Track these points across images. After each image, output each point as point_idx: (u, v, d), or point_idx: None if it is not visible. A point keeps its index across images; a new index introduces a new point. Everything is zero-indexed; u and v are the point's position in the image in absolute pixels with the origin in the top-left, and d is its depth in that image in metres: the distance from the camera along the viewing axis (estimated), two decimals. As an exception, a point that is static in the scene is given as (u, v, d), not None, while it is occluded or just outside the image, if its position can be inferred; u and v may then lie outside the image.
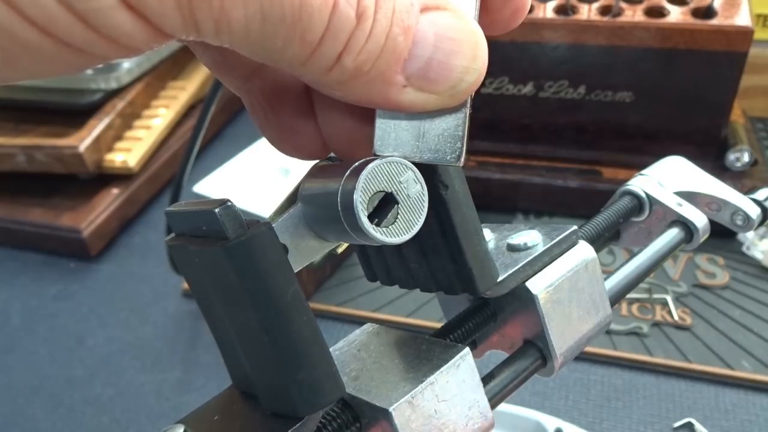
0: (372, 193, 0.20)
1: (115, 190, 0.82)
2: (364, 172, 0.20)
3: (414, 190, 0.21)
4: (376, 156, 0.21)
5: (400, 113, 0.20)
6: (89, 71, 0.83)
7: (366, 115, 0.22)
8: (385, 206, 0.20)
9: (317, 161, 0.25)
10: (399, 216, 0.20)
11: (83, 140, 0.78)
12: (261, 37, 0.17)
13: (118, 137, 0.84)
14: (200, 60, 0.25)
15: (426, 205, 0.21)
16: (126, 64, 0.85)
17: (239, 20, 0.16)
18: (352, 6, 0.17)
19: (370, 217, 0.20)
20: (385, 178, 0.20)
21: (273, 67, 0.23)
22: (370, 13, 0.18)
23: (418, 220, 0.21)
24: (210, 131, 0.93)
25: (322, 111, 0.24)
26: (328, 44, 0.18)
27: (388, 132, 0.21)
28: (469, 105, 0.21)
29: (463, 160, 0.21)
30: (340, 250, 0.26)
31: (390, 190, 0.20)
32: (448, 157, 0.21)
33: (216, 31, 0.17)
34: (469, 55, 0.20)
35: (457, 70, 0.19)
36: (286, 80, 0.24)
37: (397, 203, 0.20)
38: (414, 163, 0.21)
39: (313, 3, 0.17)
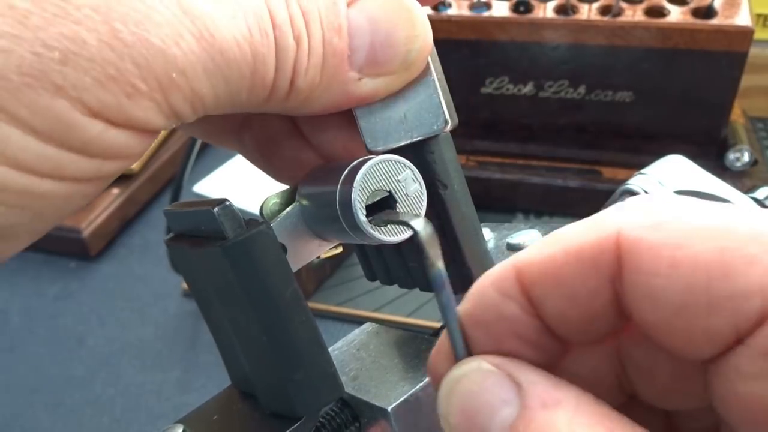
0: (370, 192, 0.20)
1: (115, 190, 0.82)
2: (362, 171, 0.20)
3: (412, 188, 0.21)
4: (372, 154, 0.21)
5: (372, 106, 0.21)
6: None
7: (352, 123, 0.23)
8: (383, 205, 0.20)
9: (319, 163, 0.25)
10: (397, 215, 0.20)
11: (83, 140, 0.78)
12: (228, 98, 0.19)
13: (118, 137, 0.84)
14: (190, 134, 0.27)
15: (424, 203, 0.21)
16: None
17: (208, 94, 0.18)
18: (289, 35, 0.19)
19: (369, 216, 0.20)
20: (383, 176, 0.20)
21: (257, 119, 0.25)
22: (304, 32, 0.19)
23: (418, 219, 0.21)
24: (210, 131, 0.93)
25: (313, 136, 0.25)
26: (281, 78, 0.19)
27: (373, 127, 0.21)
28: (434, 71, 0.21)
29: (450, 124, 0.22)
30: (338, 250, 0.26)
31: (388, 189, 0.20)
32: (435, 127, 0.21)
33: (193, 111, 0.18)
34: (406, 25, 0.20)
35: (400, 43, 0.20)
36: (272, 124, 0.25)
37: (396, 202, 0.20)
38: (409, 155, 0.21)
39: (260, 50, 0.18)
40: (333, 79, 0.20)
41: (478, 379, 0.16)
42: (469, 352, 0.16)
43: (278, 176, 0.26)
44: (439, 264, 0.17)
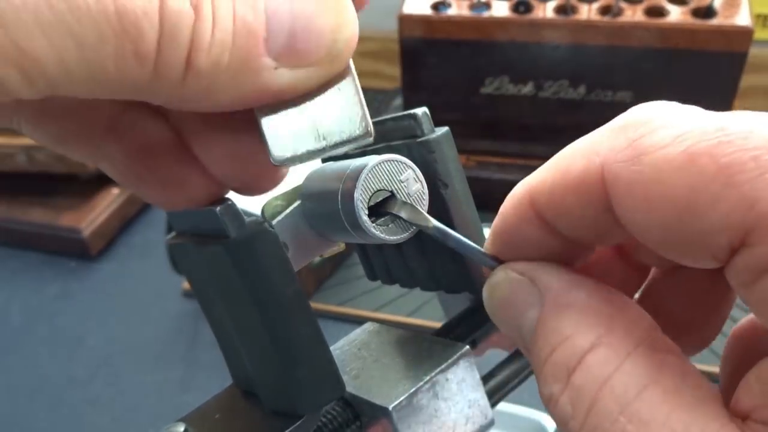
0: (372, 192, 0.20)
1: (115, 190, 0.82)
2: (365, 171, 0.20)
3: (414, 188, 0.21)
4: (274, 164, 0.18)
5: (279, 107, 0.18)
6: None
7: (250, 134, 0.19)
8: (385, 205, 0.20)
9: (321, 164, 0.25)
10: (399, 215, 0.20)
11: (83, 140, 0.78)
12: (86, 67, 0.14)
13: (119, 137, 0.84)
14: (38, 141, 0.21)
15: (426, 203, 0.21)
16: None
17: (49, 59, 0.14)
18: (183, 1, 0.15)
19: (371, 216, 0.20)
20: (386, 176, 0.20)
21: (129, 121, 0.21)
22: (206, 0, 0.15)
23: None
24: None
25: (202, 149, 0.21)
26: (170, 49, 0.15)
27: (279, 133, 0.18)
28: (353, 69, 0.18)
29: (372, 131, 0.18)
30: (339, 249, 0.26)
31: (390, 189, 0.20)
32: (356, 134, 0.18)
33: (28, 82, 0.14)
34: (333, 11, 0.17)
35: (326, 31, 0.16)
36: (147, 131, 0.21)
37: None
38: (410, 155, 0.21)
39: (130, 7, 0.14)
40: (244, 64, 0.16)
41: (507, 287, 0.18)
42: (500, 261, 0.19)
43: (153, 198, 0.21)
44: (433, 222, 0.20)
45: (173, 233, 0.23)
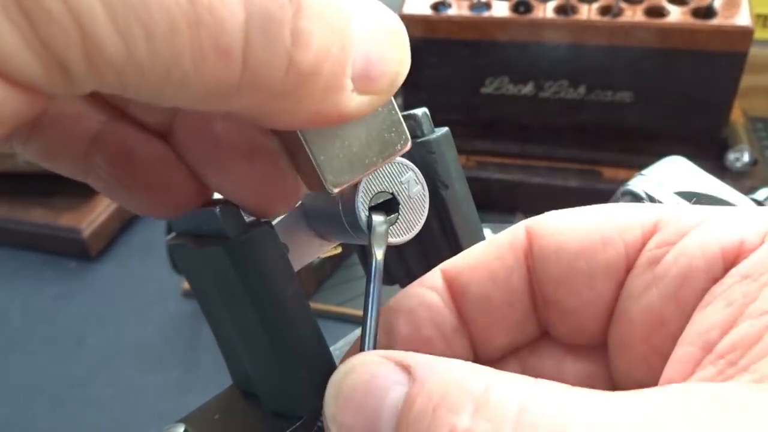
0: (373, 194, 0.20)
1: (115, 190, 0.82)
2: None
3: (415, 190, 0.21)
4: (331, 194, 0.18)
5: (327, 134, 0.18)
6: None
7: (266, 157, 0.19)
8: (386, 207, 0.20)
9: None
10: (400, 216, 0.20)
11: (83, 140, 0.78)
12: (160, 64, 0.13)
13: (118, 137, 0.84)
14: (26, 156, 0.20)
15: (427, 205, 0.21)
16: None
17: (114, 44, 0.12)
18: None
19: (371, 218, 0.20)
20: (387, 178, 0.20)
21: (114, 131, 0.20)
22: (304, 2, 0.14)
23: (419, 221, 0.21)
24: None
25: (219, 181, 0.20)
26: (264, 43, 0.13)
27: (332, 157, 0.18)
28: None
29: (410, 139, 0.19)
30: (338, 250, 0.26)
31: (391, 191, 0.20)
32: (398, 147, 0.19)
33: (95, 68, 0.12)
34: (401, 44, 0.17)
35: (393, 63, 0.17)
36: (133, 141, 0.20)
37: (399, 204, 0.20)
38: (409, 156, 0.21)
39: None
40: (336, 79, 0.15)
41: (369, 369, 0.16)
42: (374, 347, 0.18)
43: (142, 209, 0.21)
44: (379, 256, 0.19)
45: (173, 234, 0.23)
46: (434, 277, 0.20)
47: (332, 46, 0.15)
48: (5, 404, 0.63)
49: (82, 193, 0.81)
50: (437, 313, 0.20)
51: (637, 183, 0.36)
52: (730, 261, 0.16)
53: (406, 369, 0.16)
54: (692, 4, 0.69)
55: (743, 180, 0.71)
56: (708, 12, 0.67)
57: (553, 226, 0.20)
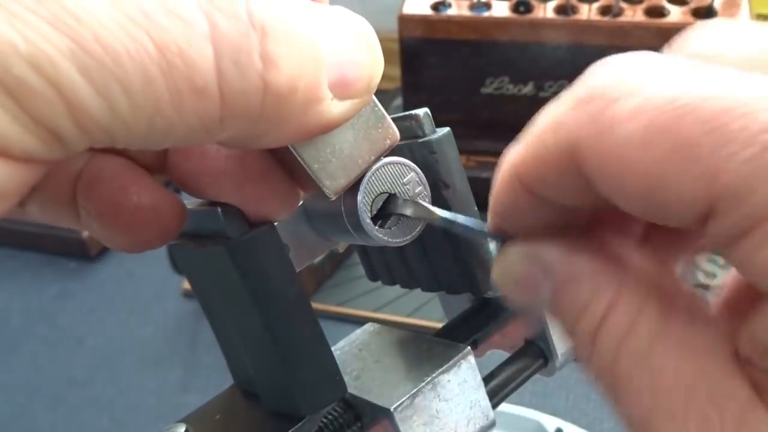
0: (375, 195, 0.20)
1: (115, 190, 0.82)
2: (368, 174, 0.20)
3: (417, 190, 0.21)
4: (332, 198, 0.19)
5: (316, 141, 0.18)
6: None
7: (266, 171, 0.19)
8: (387, 207, 0.20)
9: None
10: (402, 217, 0.20)
11: (83, 140, 0.78)
12: (142, 115, 0.14)
13: (118, 137, 0.84)
14: (29, 218, 0.20)
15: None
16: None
17: (97, 107, 0.13)
18: (242, 23, 0.14)
19: (374, 219, 0.20)
20: (389, 179, 0.20)
21: (96, 169, 0.19)
22: (269, 20, 0.15)
23: (421, 221, 0.21)
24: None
25: (217, 194, 0.20)
26: (237, 73, 0.14)
27: (325, 163, 0.18)
28: None
29: (398, 132, 0.20)
30: (340, 249, 0.26)
31: (393, 192, 0.20)
32: (387, 141, 0.19)
33: (85, 131, 0.13)
34: (369, 49, 0.17)
35: (367, 65, 0.17)
36: (99, 169, 0.19)
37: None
38: (411, 156, 0.21)
39: (170, 39, 0.13)
40: (314, 92, 0.16)
41: (515, 270, 0.18)
42: (505, 237, 0.19)
43: (130, 245, 0.20)
44: (439, 212, 0.20)
45: None
46: (512, 182, 0.19)
47: (304, 62, 0.15)
48: (5, 404, 0.63)
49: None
50: (535, 211, 0.19)
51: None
52: None
53: (544, 265, 0.18)
54: (692, 4, 0.69)
55: (743, 180, 0.71)
56: (708, 12, 0.68)
57: (601, 169, 0.16)
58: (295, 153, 0.18)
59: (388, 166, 0.20)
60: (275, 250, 0.19)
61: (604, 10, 0.70)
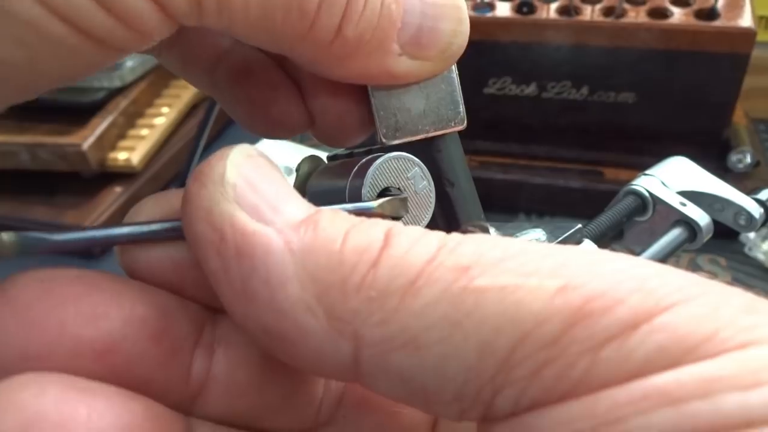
0: (380, 189, 0.20)
1: (118, 189, 0.82)
2: (372, 168, 0.20)
3: (421, 185, 0.21)
4: (383, 145, 0.21)
5: (393, 94, 0.21)
6: (93, 70, 0.83)
7: (354, 97, 0.22)
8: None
9: (327, 162, 0.25)
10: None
11: (86, 138, 0.79)
12: (261, 13, 0.17)
13: (122, 135, 0.84)
14: (164, 64, 0.25)
15: (433, 201, 0.21)
16: (129, 62, 0.86)
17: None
18: None
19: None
20: (393, 174, 0.20)
21: (240, 51, 0.24)
22: None
23: (426, 216, 0.21)
24: (212, 131, 0.93)
25: (313, 93, 0.24)
26: (327, 13, 0.17)
27: (390, 114, 0.21)
28: (455, 69, 0.22)
29: (465, 119, 0.22)
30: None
31: (397, 186, 0.20)
32: (453, 123, 0.21)
33: (218, 13, 0.16)
34: (455, 18, 0.20)
35: (446, 34, 0.20)
36: (250, 59, 0.24)
37: (407, 196, 0.20)
38: (416, 153, 0.21)
39: None
40: (380, 44, 0.19)
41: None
42: None
43: (248, 122, 0.25)
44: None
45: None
46: None
47: (380, 20, 0.18)
48: (8, 401, 0.63)
49: (85, 191, 0.81)
50: None
51: (642, 183, 0.36)
52: None
53: None
54: (695, 6, 0.69)
55: (745, 181, 0.71)
56: (711, 14, 0.68)
57: None
58: (369, 94, 0.21)
59: (393, 160, 0.20)
60: None
61: (607, 11, 0.70)
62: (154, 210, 0.19)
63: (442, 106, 0.21)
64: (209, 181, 0.16)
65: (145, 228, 0.18)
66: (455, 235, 0.16)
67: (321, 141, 0.24)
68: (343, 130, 0.23)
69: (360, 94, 0.21)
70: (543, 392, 0.13)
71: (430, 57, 0.20)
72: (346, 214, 0.16)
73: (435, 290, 0.14)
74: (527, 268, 0.14)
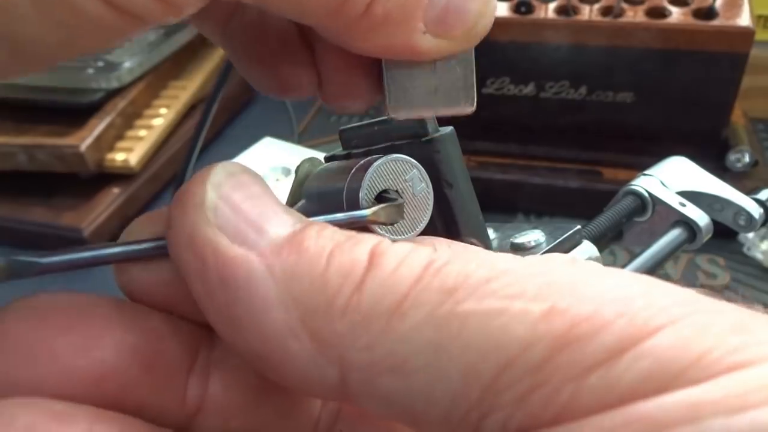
0: (377, 192, 0.20)
1: (116, 190, 0.82)
2: (370, 170, 0.20)
3: (419, 188, 0.21)
4: (389, 118, 0.21)
5: (406, 69, 0.21)
6: (90, 70, 0.83)
7: (366, 65, 0.22)
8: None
9: (324, 164, 0.25)
10: (404, 214, 0.20)
11: (84, 139, 0.78)
12: None
13: (119, 136, 0.84)
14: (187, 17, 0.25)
15: (431, 203, 0.21)
16: (127, 63, 0.85)
17: None
18: None
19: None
20: (391, 176, 0.20)
21: (253, 8, 0.23)
22: None
23: (424, 219, 0.21)
24: (211, 131, 0.93)
25: (321, 59, 0.23)
26: None
27: (400, 89, 0.21)
28: (473, 52, 0.22)
29: (475, 104, 0.22)
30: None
31: (395, 188, 0.20)
32: (462, 104, 0.21)
33: None
34: (480, 1, 0.20)
35: (472, 14, 0.20)
36: (266, 19, 0.24)
37: (403, 201, 0.20)
38: (414, 154, 0.21)
39: None
40: (405, 22, 0.19)
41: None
42: None
43: (254, 77, 0.24)
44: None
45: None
46: None
47: (406, 2, 0.18)
48: (6, 403, 0.63)
49: (83, 192, 0.81)
50: None
51: (641, 183, 0.36)
52: None
53: None
54: (693, 5, 0.69)
55: (744, 181, 0.71)
56: (709, 13, 0.67)
57: None
58: (383, 66, 0.21)
59: (391, 162, 0.20)
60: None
61: (606, 11, 0.70)
62: (145, 229, 0.19)
63: (453, 87, 0.21)
64: (190, 206, 0.16)
65: (135, 247, 0.18)
66: (443, 252, 0.16)
67: (326, 103, 0.24)
68: (350, 97, 0.23)
69: (372, 62, 0.21)
70: (530, 418, 0.13)
71: (454, 36, 0.20)
72: (333, 229, 0.16)
73: (421, 314, 0.14)
74: (513, 290, 0.14)
